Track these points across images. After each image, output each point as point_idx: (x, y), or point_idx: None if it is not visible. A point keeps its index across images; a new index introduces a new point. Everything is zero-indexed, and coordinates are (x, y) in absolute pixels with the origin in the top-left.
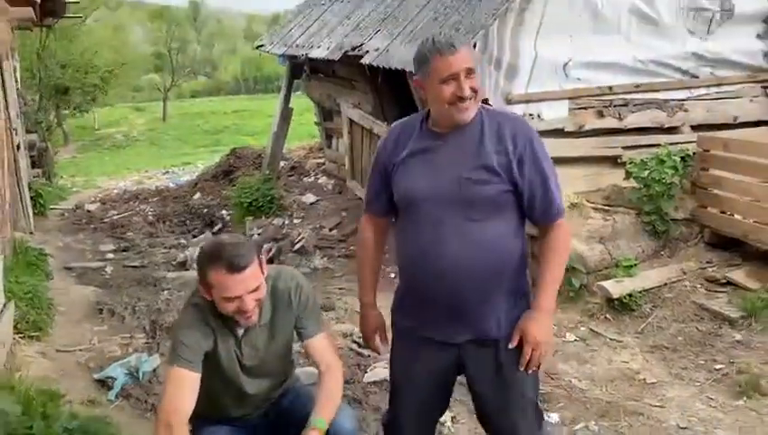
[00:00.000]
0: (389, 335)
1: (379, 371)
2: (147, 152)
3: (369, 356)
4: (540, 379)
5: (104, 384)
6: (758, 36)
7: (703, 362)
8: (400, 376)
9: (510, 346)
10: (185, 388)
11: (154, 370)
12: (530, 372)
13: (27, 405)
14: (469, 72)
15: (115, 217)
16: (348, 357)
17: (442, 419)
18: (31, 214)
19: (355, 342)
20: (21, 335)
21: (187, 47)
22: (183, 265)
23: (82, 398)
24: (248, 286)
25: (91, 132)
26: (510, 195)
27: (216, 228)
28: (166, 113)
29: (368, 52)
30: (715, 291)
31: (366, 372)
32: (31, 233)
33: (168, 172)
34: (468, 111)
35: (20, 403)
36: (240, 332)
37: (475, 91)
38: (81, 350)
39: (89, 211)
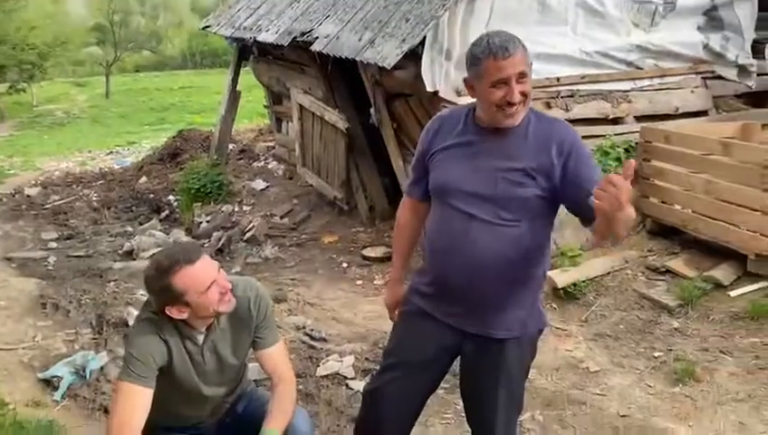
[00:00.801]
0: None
1: (332, 364)
2: (89, 130)
3: (321, 349)
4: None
5: (49, 384)
6: (699, 29)
7: (643, 350)
8: (398, 346)
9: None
10: (136, 404)
11: (101, 368)
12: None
13: None
14: (521, 75)
15: (57, 203)
16: (300, 350)
17: (431, 420)
18: None
19: (307, 334)
20: None
21: (131, 19)
22: (129, 255)
23: (27, 399)
24: (215, 266)
25: (29, 109)
26: (544, 201)
27: (164, 215)
28: (109, 89)
29: (317, 38)
30: (655, 279)
31: (318, 366)
32: None
33: (112, 153)
34: (516, 115)
35: None
36: (200, 338)
37: (525, 95)
38: (24, 348)
39: (29, 196)
